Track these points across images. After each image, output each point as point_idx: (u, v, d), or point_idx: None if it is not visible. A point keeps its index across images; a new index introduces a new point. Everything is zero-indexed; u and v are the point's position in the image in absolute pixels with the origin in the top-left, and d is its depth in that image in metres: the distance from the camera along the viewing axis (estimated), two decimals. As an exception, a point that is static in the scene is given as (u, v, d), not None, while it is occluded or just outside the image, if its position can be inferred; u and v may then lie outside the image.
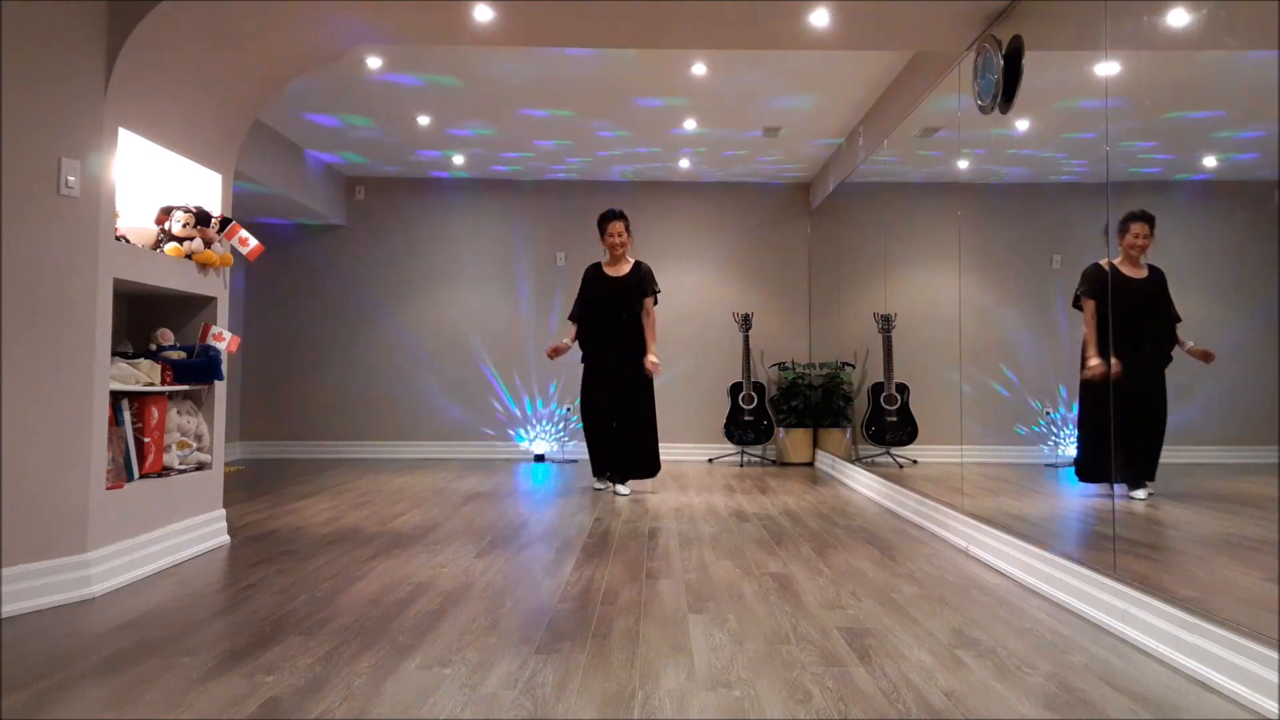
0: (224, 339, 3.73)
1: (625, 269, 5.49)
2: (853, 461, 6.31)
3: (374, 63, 4.95)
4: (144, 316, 3.69)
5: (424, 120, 6.05)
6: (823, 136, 6.40)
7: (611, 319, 5.44)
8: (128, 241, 3.25)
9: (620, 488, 5.40)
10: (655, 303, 5.50)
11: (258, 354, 7.69)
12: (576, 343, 5.55)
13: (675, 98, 5.54)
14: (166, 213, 3.52)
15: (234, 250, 3.85)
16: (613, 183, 7.86)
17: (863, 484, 5.70)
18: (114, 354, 3.18)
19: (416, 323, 7.81)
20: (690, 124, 6.07)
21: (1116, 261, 3.00)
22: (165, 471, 3.48)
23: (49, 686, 2.05)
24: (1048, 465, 3.87)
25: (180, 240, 3.51)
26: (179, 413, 3.60)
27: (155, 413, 3.38)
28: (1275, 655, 1.92)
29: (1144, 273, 2.99)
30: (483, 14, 3.57)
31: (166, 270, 3.41)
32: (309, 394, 7.74)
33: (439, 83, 5.30)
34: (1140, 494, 3.10)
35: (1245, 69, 2.45)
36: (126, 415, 3.24)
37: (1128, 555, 2.66)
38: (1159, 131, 2.87)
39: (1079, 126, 3.30)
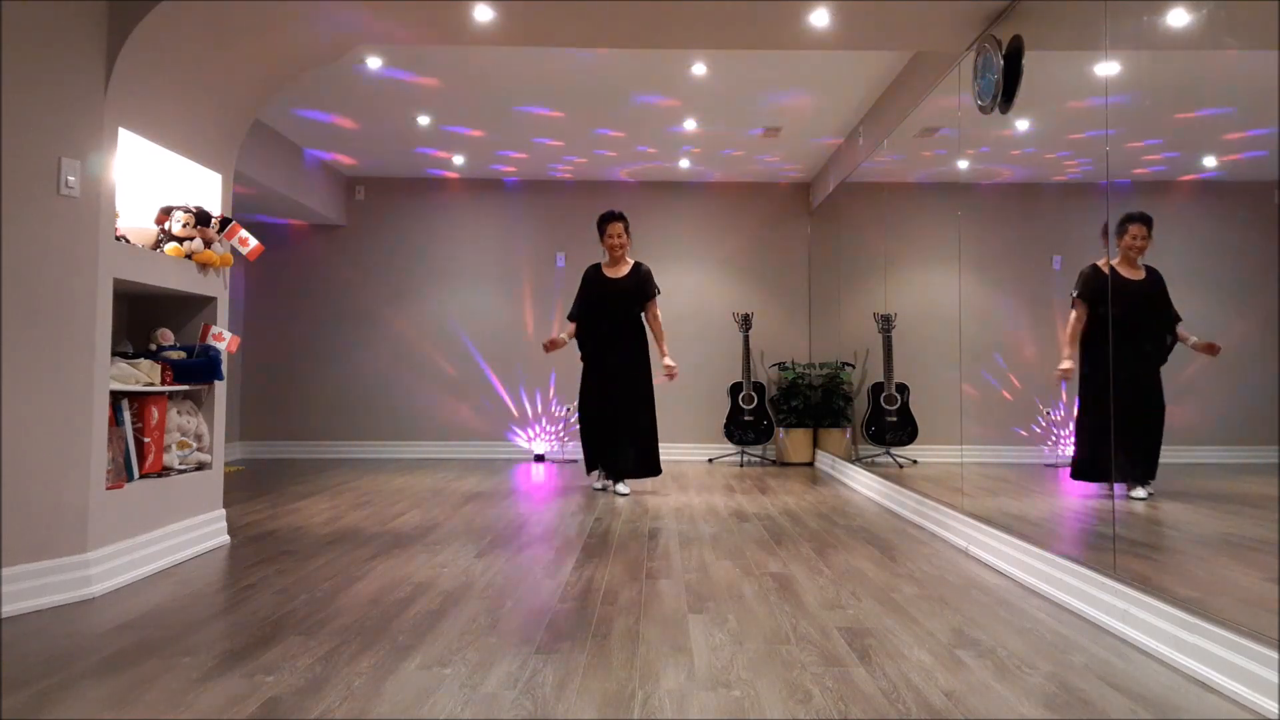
0: (224, 339, 3.73)
1: (625, 270, 5.50)
2: (853, 461, 6.31)
3: (374, 62, 4.95)
4: (144, 316, 3.69)
5: (424, 120, 6.06)
6: (823, 136, 6.41)
7: (611, 320, 5.46)
8: (128, 241, 3.25)
9: (620, 487, 5.40)
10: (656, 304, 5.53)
11: (258, 354, 7.69)
12: (574, 340, 5.58)
13: (674, 96, 5.54)
14: (166, 213, 3.52)
15: (234, 250, 3.85)
16: (613, 182, 7.87)
17: (863, 484, 5.70)
18: (114, 354, 3.18)
19: (417, 322, 7.81)
20: (690, 123, 6.07)
21: (1115, 263, 3.00)
22: (165, 471, 3.48)
23: (49, 686, 2.05)
24: (1047, 465, 3.88)
25: (180, 240, 3.51)
26: (179, 413, 3.60)
27: (155, 413, 3.38)
28: (1275, 655, 1.92)
29: (1141, 274, 2.99)
30: (483, 14, 3.57)
31: (166, 270, 3.41)
32: (309, 394, 7.74)
33: (438, 81, 5.30)
34: (1140, 493, 3.10)
35: (1245, 68, 2.45)
36: (126, 415, 3.24)
37: (1128, 555, 2.66)
38: (1160, 131, 2.87)
39: (1079, 127, 3.30)
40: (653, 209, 7.78)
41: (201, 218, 3.56)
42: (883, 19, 3.66)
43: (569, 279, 7.43)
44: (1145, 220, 2.97)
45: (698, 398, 7.69)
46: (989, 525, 3.53)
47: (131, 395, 3.30)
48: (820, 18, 3.62)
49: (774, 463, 7.47)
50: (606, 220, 5.48)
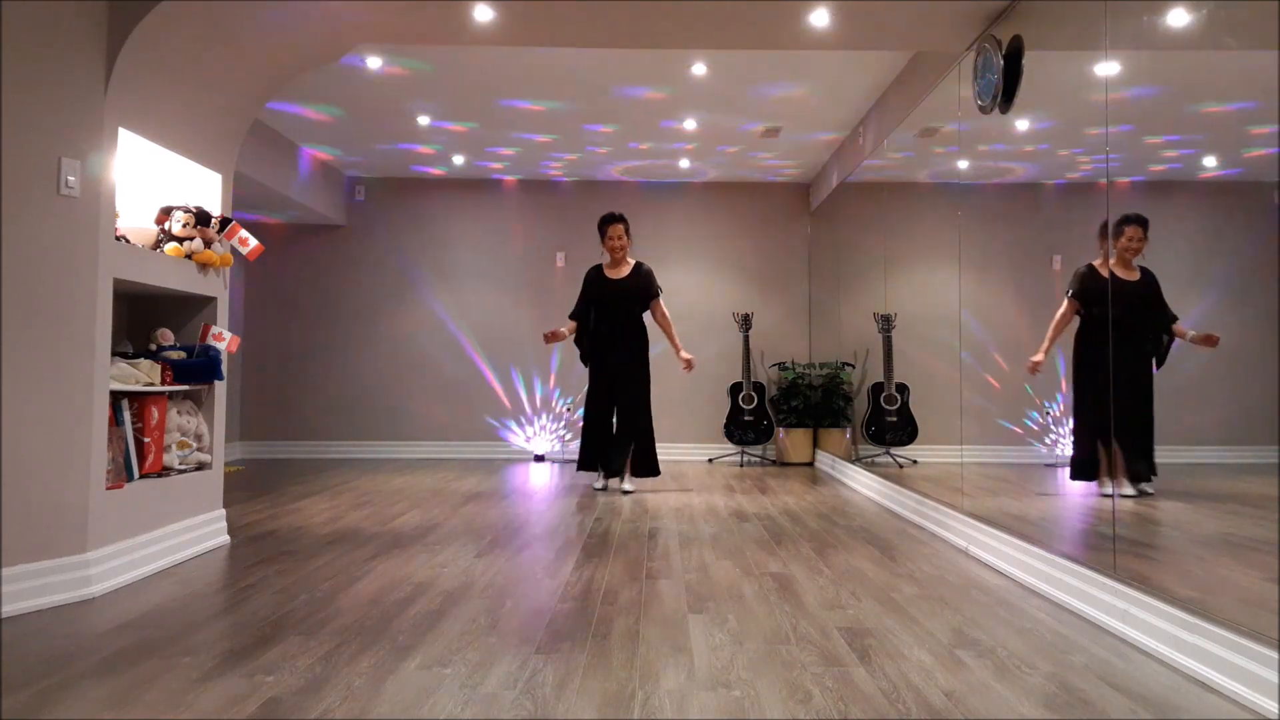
0: (224, 339, 3.73)
1: (625, 271, 5.53)
2: (853, 461, 6.31)
3: (374, 62, 4.94)
4: (144, 316, 3.69)
5: (424, 120, 6.05)
6: (823, 136, 6.40)
7: (612, 320, 5.50)
8: (128, 241, 3.24)
9: (625, 485, 5.45)
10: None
11: (258, 354, 7.69)
12: (573, 337, 5.63)
13: (673, 92, 5.54)
14: (166, 213, 3.52)
15: (234, 250, 3.85)
16: (612, 182, 7.87)
17: (863, 484, 5.70)
18: (114, 354, 3.18)
19: (416, 322, 7.81)
20: (690, 123, 6.07)
21: (1111, 264, 3.00)
22: (165, 471, 3.48)
23: (49, 686, 2.05)
24: (1047, 465, 3.88)
25: (180, 240, 3.51)
26: (179, 413, 3.60)
27: (155, 413, 3.38)
28: (1275, 655, 1.92)
29: (1136, 275, 2.99)
30: (483, 14, 3.57)
31: (166, 270, 3.41)
32: (309, 394, 7.74)
33: (438, 81, 5.29)
34: (1136, 490, 3.10)
35: (1248, 68, 2.45)
36: (126, 415, 3.24)
37: (1128, 555, 2.66)
38: (1161, 130, 2.87)
39: (1079, 126, 3.30)
40: (653, 209, 7.78)
41: (201, 218, 3.56)
42: (882, 19, 3.66)
43: (569, 279, 7.43)
44: (1141, 222, 2.97)
45: (698, 398, 7.68)
46: (989, 525, 3.53)
47: (131, 395, 3.30)
48: (820, 18, 3.62)
49: (774, 463, 7.47)
50: (607, 222, 5.51)
